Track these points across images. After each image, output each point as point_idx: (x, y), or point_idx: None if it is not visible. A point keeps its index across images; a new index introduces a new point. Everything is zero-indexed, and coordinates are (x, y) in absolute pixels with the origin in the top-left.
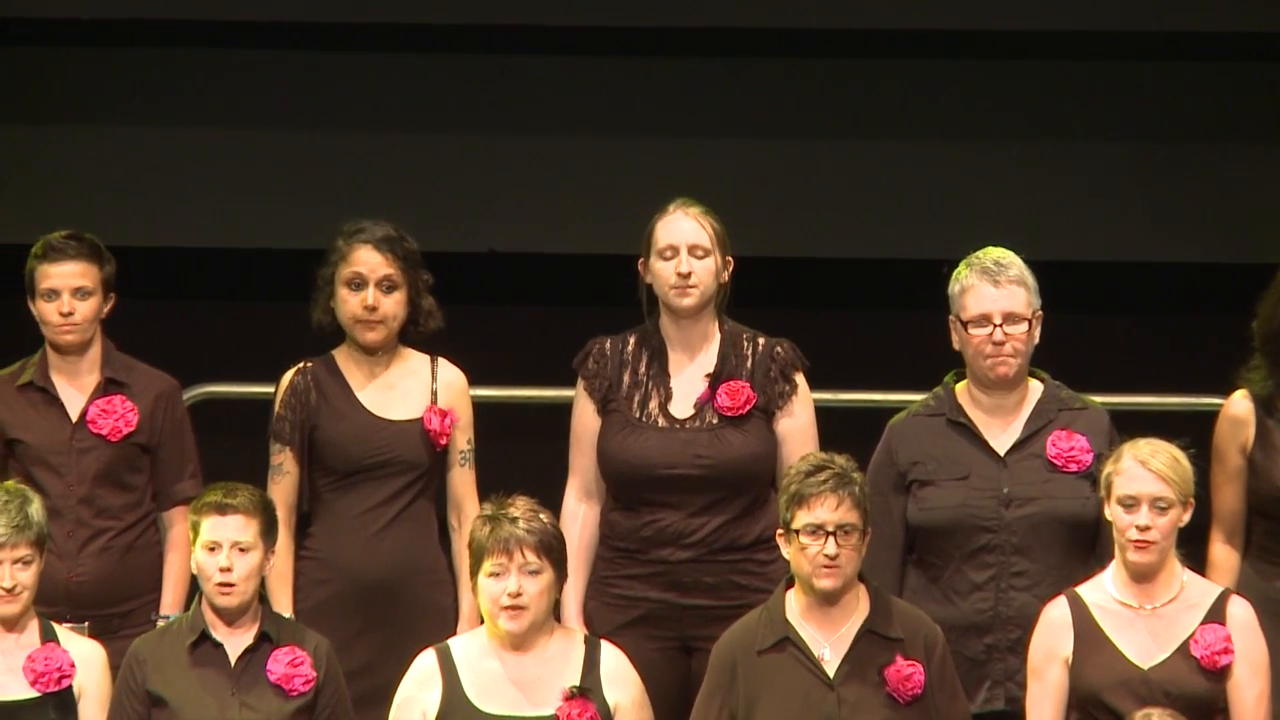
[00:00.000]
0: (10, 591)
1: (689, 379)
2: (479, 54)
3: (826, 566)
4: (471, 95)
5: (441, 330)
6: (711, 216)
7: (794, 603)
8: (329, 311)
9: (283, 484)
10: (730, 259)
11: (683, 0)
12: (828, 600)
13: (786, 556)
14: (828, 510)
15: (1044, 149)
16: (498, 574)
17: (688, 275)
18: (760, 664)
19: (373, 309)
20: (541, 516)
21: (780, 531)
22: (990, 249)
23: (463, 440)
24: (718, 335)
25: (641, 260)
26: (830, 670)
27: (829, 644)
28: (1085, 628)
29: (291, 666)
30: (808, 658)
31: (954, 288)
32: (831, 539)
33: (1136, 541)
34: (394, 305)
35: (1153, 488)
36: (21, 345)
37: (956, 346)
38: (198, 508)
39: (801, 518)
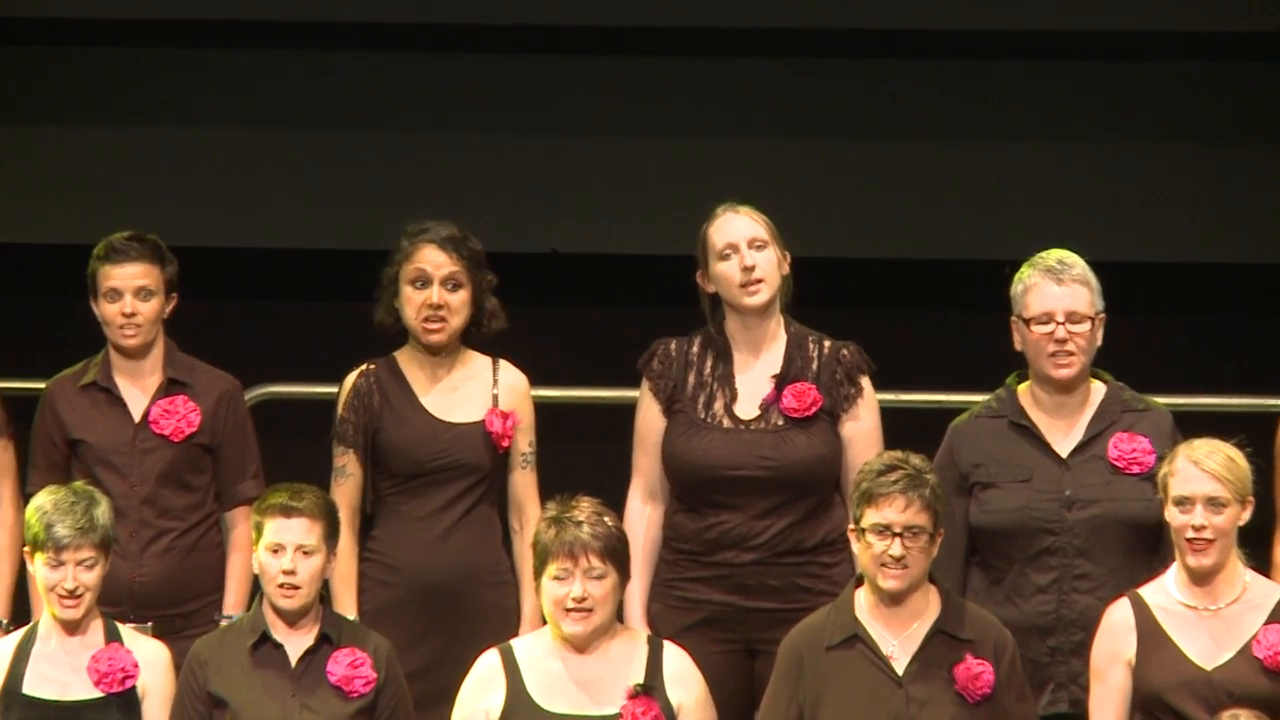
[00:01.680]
0: (73, 593)
1: (754, 380)
2: (542, 55)
3: (891, 566)
4: (535, 97)
5: (504, 331)
6: (761, 213)
7: (863, 600)
8: (392, 312)
9: (346, 486)
10: (787, 253)
11: (743, 0)
12: (892, 599)
13: (856, 553)
14: (895, 511)
15: (1106, 149)
16: (561, 578)
17: (752, 268)
18: (828, 660)
19: (437, 307)
20: (606, 519)
21: (851, 528)
22: (1053, 250)
23: (524, 442)
24: (783, 337)
25: (700, 271)
26: (899, 668)
27: (898, 642)
28: (1148, 629)
29: (352, 668)
30: (876, 655)
31: (1016, 287)
32: (897, 540)
33: (1193, 542)
34: (458, 304)
35: (1207, 487)
36: (85, 345)
37: (1018, 347)
38: (261, 509)
39: (870, 516)
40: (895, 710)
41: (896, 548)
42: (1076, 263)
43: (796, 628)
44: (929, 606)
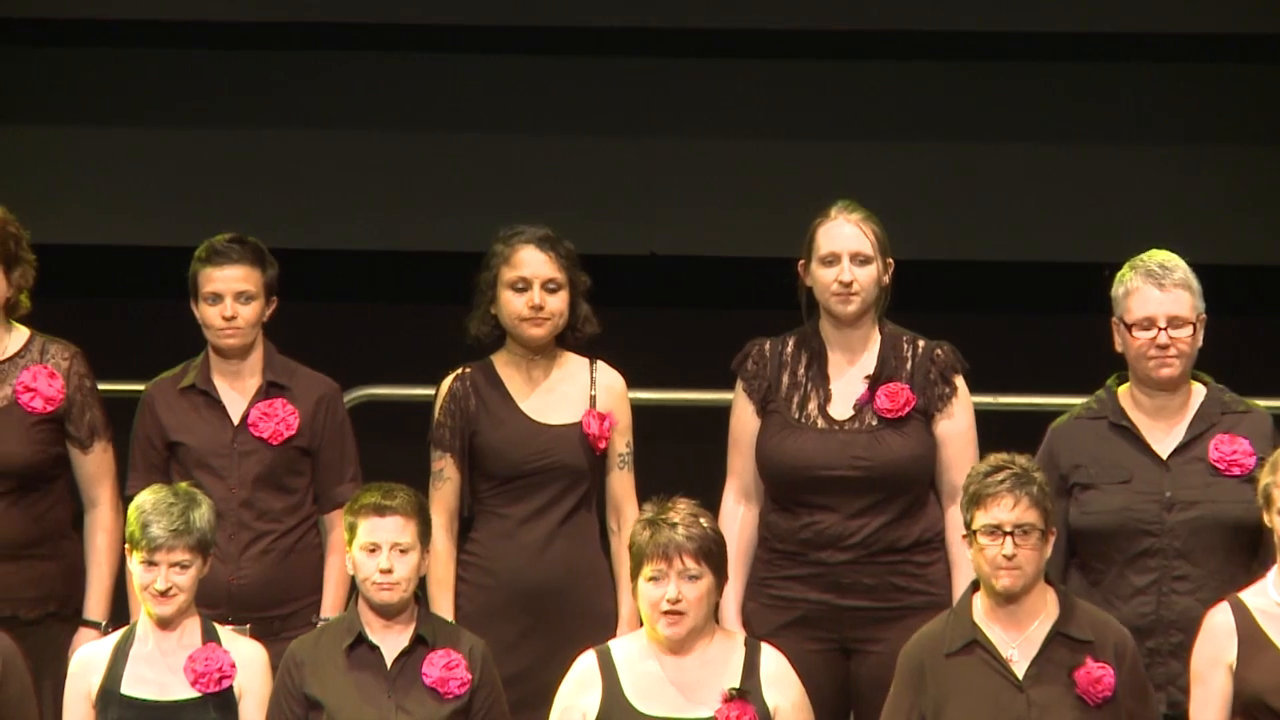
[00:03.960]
0: (165, 594)
1: (848, 381)
2: (641, 57)
3: (1004, 567)
4: (633, 99)
5: (598, 335)
6: (873, 222)
7: (980, 605)
8: (488, 320)
9: (444, 490)
10: (890, 261)
11: (842, 3)
12: (1008, 600)
13: (970, 557)
14: (1004, 510)
15: (1206, 152)
16: (657, 579)
17: (850, 283)
18: (949, 667)
19: (538, 309)
20: (702, 521)
21: (964, 534)
22: (1155, 252)
23: (622, 443)
24: (878, 338)
25: (801, 262)
26: (1019, 672)
27: (1016, 645)
28: (1249, 632)
29: (447, 669)
30: (996, 660)
31: (1118, 290)
32: (1009, 539)
33: None
34: (558, 305)
35: None
36: (185, 348)
37: (1119, 349)
38: (354, 509)
39: (980, 518)
40: (1017, 715)
41: (1008, 547)
42: (1178, 266)
43: (915, 636)
44: (1046, 607)
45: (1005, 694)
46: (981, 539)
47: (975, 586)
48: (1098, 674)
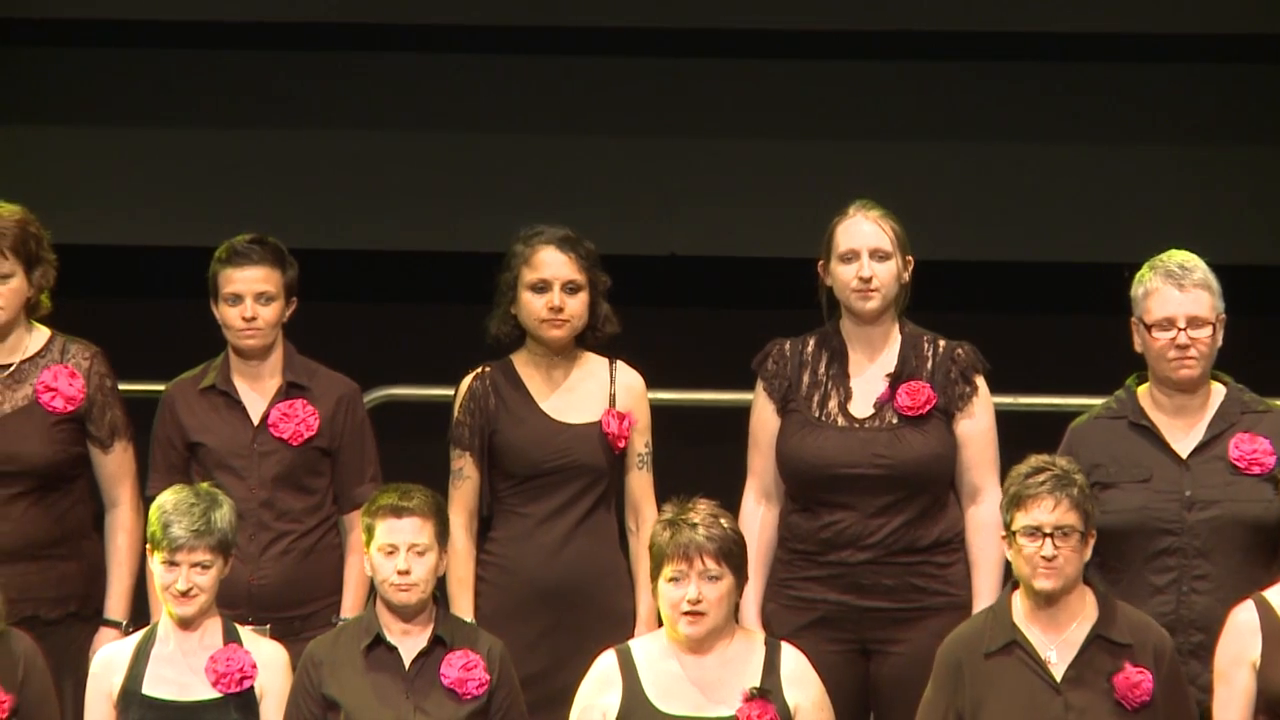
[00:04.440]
0: (185, 594)
1: (869, 379)
2: (661, 58)
3: (1044, 568)
4: (654, 100)
5: (618, 335)
6: (891, 219)
7: (1019, 606)
8: (508, 320)
9: (463, 489)
10: (910, 259)
11: (861, 3)
12: (1048, 601)
13: (1009, 558)
14: (1044, 511)
15: (1226, 152)
16: (677, 579)
17: (869, 280)
18: (987, 667)
19: (558, 310)
20: (722, 521)
21: (1003, 535)
22: (1174, 252)
23: (641, 443)
24: (898, 337)
25: (821, 262)
26: (1057, 674)
27: (1055, 647)
28: (1273, 631)
29: (465, 670)
30: (1035, 661)
31: (1137, 290)
32: (1048, 540)
33: None
34: (578, 306)
35: None
36: (204, 348)
37: (1138, 349)
38: (371, 510)
39: (1019, 519)
40: (1054, 717)
41: (1048, 548)
42: (1198, 266)
43: (953, 634)
44: (1085, 609)
45: (1042, 695)
46: (1021, 539)
47: (1015, 586)
48: (1136, 679)
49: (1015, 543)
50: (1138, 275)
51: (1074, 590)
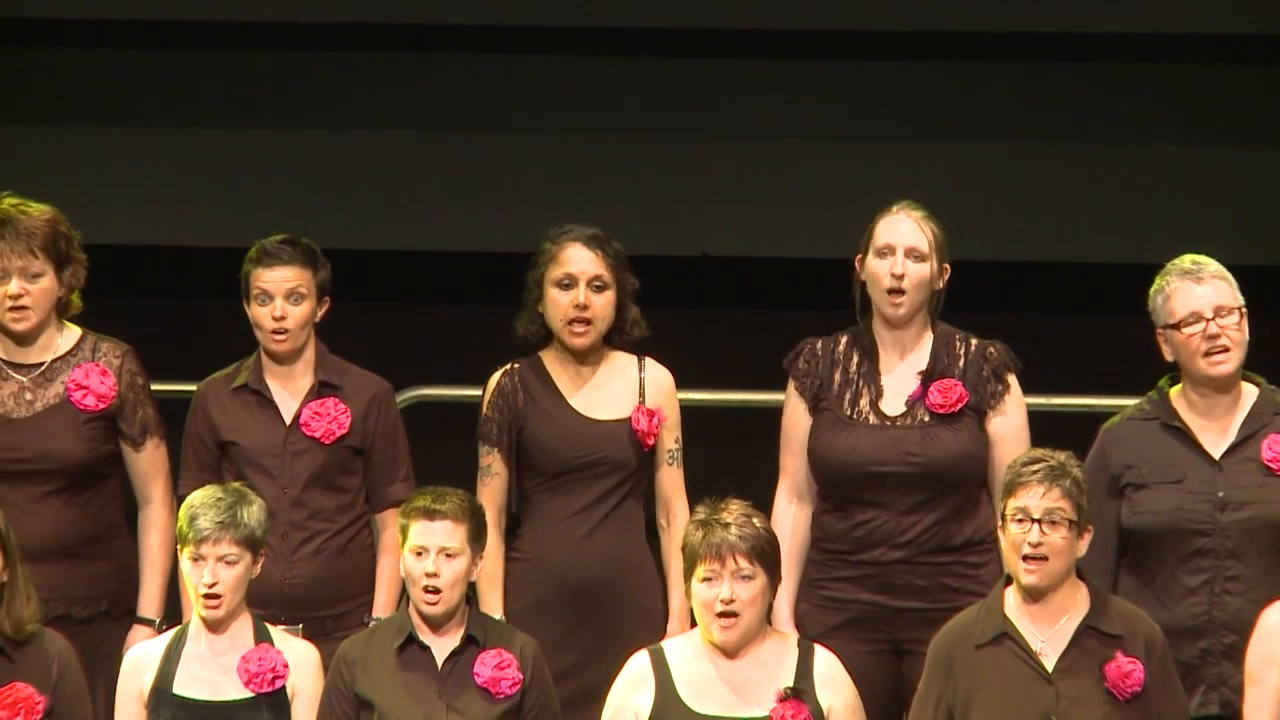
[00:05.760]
0: (210, 588)
1: (900, 377)
2: (692, 58)
3: (1030, 557)
4: (687, 100)
5: (647, 337)
6: (934, 223)
7: (1012, 598)
8: (536, 319)
9: (492, 485)
10: (947, 266)
11: (894, 3)
12: (1035, 596)
13: (1003, 548)
14: (1034, 497)
15: (1259, 153)
16: (710, 579)
17: (901, 277)
18: (978, 658)
19: (584, 307)
20: (755, 521)
21: (999, 525)
22: (1184, 256)
23: (670, 439)
24: (930, 335)
25: (859, 256)
26: (1049, 665)
27: (1046, 638)
28: None
29: (498, 669)
30: (1025, 652)
31: (1156, 299)
32: (1036, 526)
33: None
34: (604, 306)
35: None
36: (237, 347)
37: (1169, 358)
38: (406, 511)
39: (1010, 504)
40: (1045, 707)
41: (1034, 534)
42: (1210, 261)
43: (946, 627)
44: (1078, 602)
45: (1034, 685)
46: (1010, 525)
47: (1008, 580)
48: (1128, 668)
49: (1006, 529)
50: (1153, 287)
51: (1065, 583)
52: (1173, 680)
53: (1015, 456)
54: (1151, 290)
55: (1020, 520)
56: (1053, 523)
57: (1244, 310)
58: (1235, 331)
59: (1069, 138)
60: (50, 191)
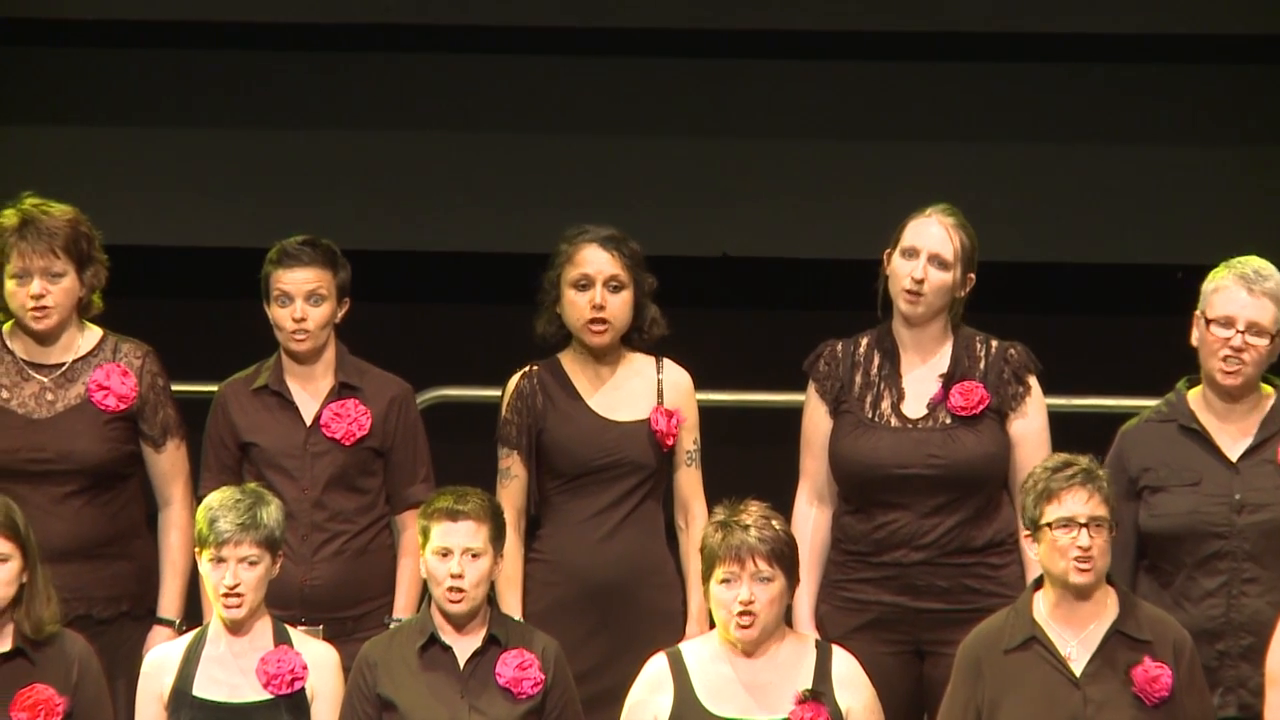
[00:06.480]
0: (232, 589)
1: (921, 379)
2: (712, 59)
3: (1080, 559)
4: (708, 100)
5: (666, 337)
6: (965, 232)
7: (1041, 603)
8: (554, 320)
9: (511, 487)
10: (972, 276)
11: (916, 4)
12: (1080, 596)
13: (1034, 557)
14: (1079, 503)
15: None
16: (729, 581)
17: (920, 282)
18: (1006, 663)
19: (600, 308)
20: (774, 523)
21: (1026, 533)
22: (1251, 257)
23: (689, 440)
24: (950, 337)
25: (887, 251)
26: (1077, 669)
27: (1075, 643)
28: None
29: (520, 669)
30: (1054, 656)
31: (1207, 285)
32: (1084, 530)
33: None
34: (621, 306)
35: None
36: (257, 348)
37: (1194, 343)
38: (428, 512)
39: (1052, 511)
40: (1073, 712)
41: (1084, 538)
42: (1272, 275)
43: (974, 631)
44: (1107, 607)
45: (1062, 690)
46: (1056, 531)
47: (1037, 585)
48: (1155, 673)
49: (1045, 536)
50: (1213, 271)
51: (1100, 587)
52: (1201, 685)
53: (1036, 459)
54: (1210, 273)
55: (1066, 526)
56: (1098, 526)
57: (1277, 336)
58: (1259, 353)
59: (1088, 139)
60: (71, 192)
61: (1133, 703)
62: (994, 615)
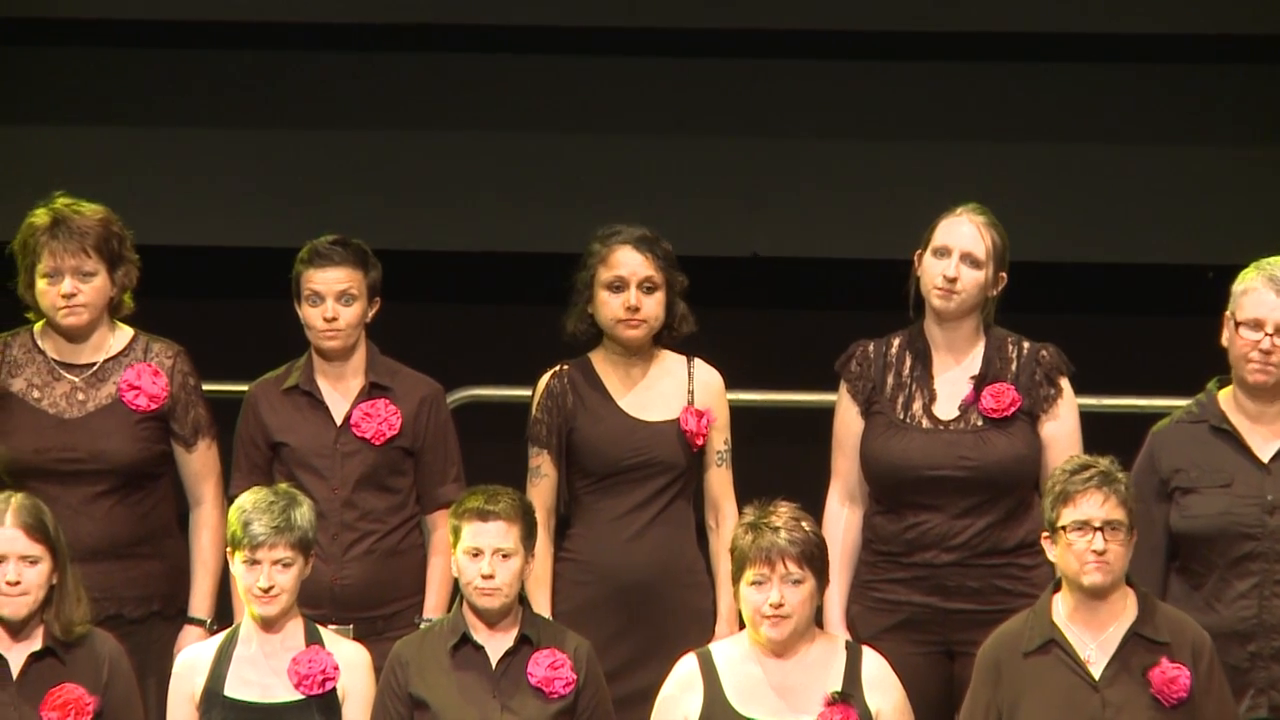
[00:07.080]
0: (267, 592)
1: (953, 381)
2: (742, 59)
3: (1094, 562)
4: (738, 100)
5: (695, 334)
6: (996, 231)
7: (1060, 605)
8: (585, 319)
9: (541, 486)
10: (1004, 275)
11: (947, 4)
12: (1096, 597)
13: (1052, 559)
14: (1094, 506)
15: None
16: (760, 583)
17: (953, 280)
18: (1025, 666)
19: (635, 309)
20: (804, 525)
21: (1045, 534)
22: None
23: (720, 440)
24: (982, 338)
25: (918, 251)
26: (1095, 672)
27: (1095, 645)
28: None
29: (552, 669)
30: (1073, 659)
31: (1237, 286)
32: (1099, 534)
33: None
34: (655, 306)
35: None
36: (288, 348)
37: (1224, 343)
38: (459, 512)
39: (1068, 514)
40: (1091, 715)
41: (1098, 542)
42: None
43: (994, 634)
44: (1126, 609)
45: (1080, 693)
46: (1071, 535)
47: (1055, 587)
48: (1172, 674)
49: (1063, 538)
50: (1243, 271)
51: (1118, 589)
52: (1221, 686)
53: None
54: (1240, 273)
55: (1080, 529)
56: (1114, 529)
57: None
58: None
59: (1119, 138)
60: (103, 192)
61: (1151, 704)
62: (1013, 618)
